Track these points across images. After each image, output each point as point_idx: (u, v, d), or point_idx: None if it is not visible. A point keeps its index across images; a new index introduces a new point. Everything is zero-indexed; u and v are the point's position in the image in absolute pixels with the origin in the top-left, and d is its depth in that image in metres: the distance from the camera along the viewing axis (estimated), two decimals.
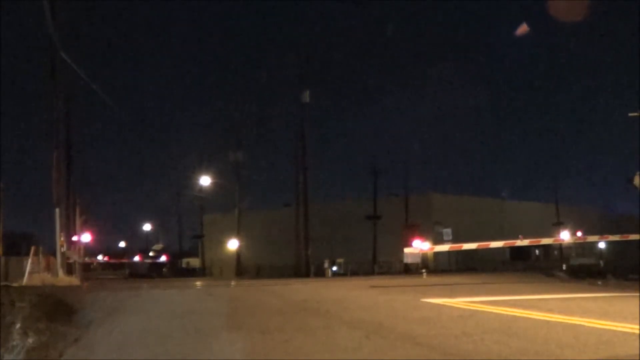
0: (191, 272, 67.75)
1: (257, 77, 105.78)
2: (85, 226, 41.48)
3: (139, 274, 63.91)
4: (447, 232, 47.77)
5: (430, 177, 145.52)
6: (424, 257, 47.47)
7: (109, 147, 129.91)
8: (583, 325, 8.51)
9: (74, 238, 36.52)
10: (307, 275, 46.28)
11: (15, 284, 21.28)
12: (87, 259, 51.30)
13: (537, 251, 63.00)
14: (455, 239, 42.04)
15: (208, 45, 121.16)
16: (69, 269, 31.41)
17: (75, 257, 34.81)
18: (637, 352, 6.53)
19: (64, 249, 29.19)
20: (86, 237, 40.78)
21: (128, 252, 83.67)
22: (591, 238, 32.64)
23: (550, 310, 10.47)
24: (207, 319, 10.97)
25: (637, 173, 27.00)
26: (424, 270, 39.74)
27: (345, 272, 51.39)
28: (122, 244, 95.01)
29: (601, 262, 50.05)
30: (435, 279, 26.61)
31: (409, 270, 45.95)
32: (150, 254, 76.80)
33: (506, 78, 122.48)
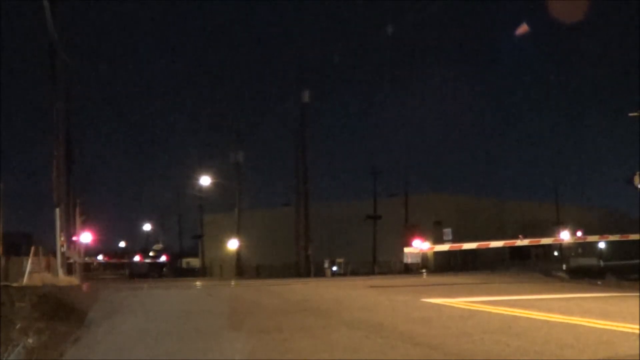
0: (191, 272, 67.77)
1: (257, 77, 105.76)
2: (85, 226, 41.50)
3: (139, 274, 63.91)
4: (447, 232, 47.72)
5: (430, 177, 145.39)
6: (424, 257, 47.48)
7: (109, 147, 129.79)
8: (583, 325, 8.50)
9: (74, 238, 36.51)
10: (307, 275, 46.25)
11: (15, 284, 21.24)
12: (87, 259, 51.31)
13: (537, 251, 62.93)
14: (455, 239, 42.02)
15: (208, 45, 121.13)
16: (69, 269, 31.38)
17: (75, 257, 34.79)
18: (637, 352, 6.53)
19: (64, 249, 29.15)
20: (86, 237, 40.77)
21: (128, 252, 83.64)
22: (591, 238, 32.64)
23: (550, 310, 10.46)
24: (207, 319, 10.97)
25: (637, 173, 27.04)
26: (424, 270, 39.78)
27: (345, 272, 51.39)
28: (122, 244, 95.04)
29: (601, 262, 50.06)
30: (435, 279, 26.60)
31: (409, 270, 45.97)
32: (151, 254, 76.80)
33: (506, 78, 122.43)
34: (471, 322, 9.20)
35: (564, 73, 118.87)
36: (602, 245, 59.29)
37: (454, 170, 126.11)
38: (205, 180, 61.29)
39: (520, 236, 24.84)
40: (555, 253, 61.63)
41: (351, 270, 51.03)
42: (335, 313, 11.17)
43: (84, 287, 24.13)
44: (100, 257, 77.47)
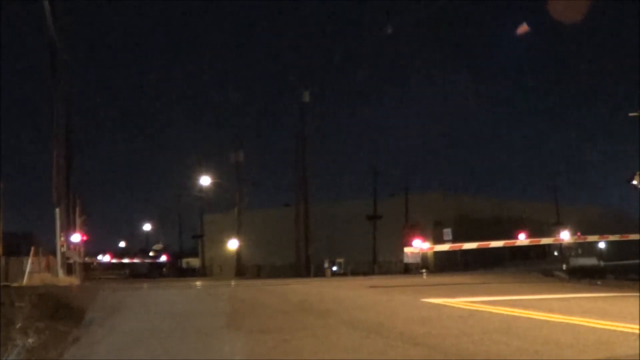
0: (191, 272, 67.84)
1: (258, 77, 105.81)
2: (85, 226, 41.53)
3: (139, 273, 64.03)
4: (447, 232, 47.70)
5: (430, 177, 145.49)
6: (424, 257, 47.46)
7: (109, 147, 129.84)
8: (583, 325, 8.50)
9: (74, 238, 36.52)
10: (307, 275, 46.29)
11: (15, 284, 21.28)
12: (87, 259, 51.35)
13: (536, 251, 62.94)
14: (455, 239, 42.00)
15: (208, 44, 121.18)
16: (69, 269, 31.41)
17: (75, 257, 34.82)
18: (637, 352, 6.52)
19: (64, 249, 29.18)
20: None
21: (128, 252, 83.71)
22: (591, 238, 32.59)
23: (550, 310, 10.46)
24: (207, 318, 10.97)
25: (637, 173, 27.06)
26: (424, 270, 39.72)
27: (345, 272, 51.40)
28: (122, 244, 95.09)
29: (601, 262, 50.04)
30: (435, 279, 26.60)
31: (409, 270, 45.94)
32: (151, 254, 76.88)
33: (506, 77, 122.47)
34: (471, 322, 9.20)
35: (563, 73, 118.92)
36: (602, 245, 59.30)
37: (454, 170, 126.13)
38: (205, 180, 61.35)
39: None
40: (555, 253, 61.65)
41: (351, 270, 51.04)
42: (335, 313, 11.16)
43: (84, 287, 24.15)
44: (100, 257, 77.50)
